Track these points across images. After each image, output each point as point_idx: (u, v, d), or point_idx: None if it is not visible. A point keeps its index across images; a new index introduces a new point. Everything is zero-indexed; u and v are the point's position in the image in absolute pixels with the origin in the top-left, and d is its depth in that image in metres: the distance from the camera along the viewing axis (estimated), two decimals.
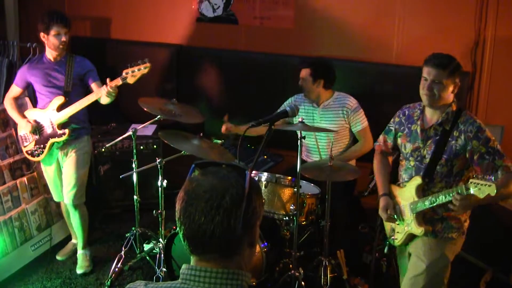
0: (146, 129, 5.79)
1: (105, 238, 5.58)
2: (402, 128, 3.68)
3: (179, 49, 6.38)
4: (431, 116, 3.51)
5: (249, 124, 3.15)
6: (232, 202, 1.65)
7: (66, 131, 4.68)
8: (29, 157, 4.84)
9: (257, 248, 4.22)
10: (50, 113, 4.69)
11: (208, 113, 5.87)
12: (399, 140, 3.71)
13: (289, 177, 4.40)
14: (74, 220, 5.04)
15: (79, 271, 4.96)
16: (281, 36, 5.99)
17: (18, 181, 5.00)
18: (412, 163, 3.59)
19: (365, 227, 5.25)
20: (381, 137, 3.91)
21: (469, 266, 4.92)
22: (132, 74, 4.42)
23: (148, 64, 4.41)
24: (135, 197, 4.93)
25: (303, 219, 4.46)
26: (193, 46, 6.36)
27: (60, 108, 4.66)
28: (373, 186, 4.16)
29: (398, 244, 3.75)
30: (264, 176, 4.42)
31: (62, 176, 4.90)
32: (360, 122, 4.92)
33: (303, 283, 4.32)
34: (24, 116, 4.80)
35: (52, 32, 4.53)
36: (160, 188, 4.63)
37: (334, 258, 4.66)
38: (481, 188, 3.06)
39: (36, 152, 4.77)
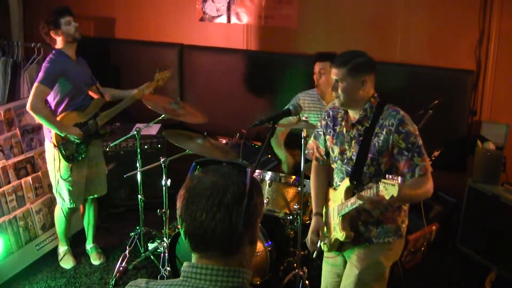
0: (150, 128, 5.80)
1: (110, 237, 5.59)
2: (329, 131, 3.47)
3: (183, 49, 6.39)
4: (354, 115, 3.32)
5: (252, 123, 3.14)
6: (233, 199, 1.65)
7: (108, 129, 4.93)
8: (70, 163, 4.68)
9: (261, 247, 4.22)
10: (94, 115, 4.75)
11: (212, 112, 5.87)
12: (328, 143, 3.50)
13: (293, 176, 4.40)
14: (90, 216, 5.15)
15: (96, 262, 5.11)
16: (285, 35, 5.98)
17: (22, 180, 5.01)
18: (340, 166, 3.39)
19: None
20: (310, 144, 3.69)
21: (474, 265, 4.92)
22: (161, 79, 4.96)
23: (170, 71, 5.09)
24: (139, 196, 4.94)
25: (307, 218, 4.46)
26: (196, 45, 6.36)
27: (101, 108, 4.79)
28: None
29: (328, 250, 3.53)
30: (268, 175, 4.42)
31: (94, 171, 4.96)
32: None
33: (307, 282, 4.32)
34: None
35: (63, 22, 4.49)
36: (164, 187, 4.63)
37: None
38: (387, 188, 2.78)
39: (79, 156, 4.72)
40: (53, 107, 4.63)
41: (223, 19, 6.23)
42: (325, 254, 3.63)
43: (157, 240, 5.14)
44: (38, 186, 5.16)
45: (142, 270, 4.98)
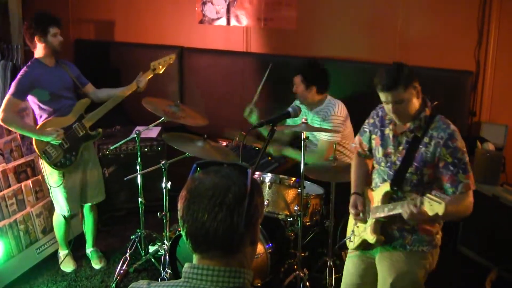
0: (150, 131, 5.81)
1: (110, 240, 5.59)
2: (375, 131, 3.46)
3: (183, 51, 6.39)
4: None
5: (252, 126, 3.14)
6: (234, 199, 1.66)
7: (100, 130, 4.82)
8: (59, 169, 4.65)
9: (262, 249, 4.22)
10: (79, 117, 4.69)
11: (212, 114, 5.87)
12: (373, 143, 3.49)
13: (293, 178, 4.41)
14: (91, 221, 5.15)
15: (97, 266, 5.10)
16: (284, 37, 6.00)
17: (23, 184, 5.01)
18: (383, 168, 3.38)
19: None
20: (356, 139, 3.69)
21: (475, 265, 4.92)
22: (160, 63, 4.92)
23: (173, 55, 5.04)
24: (139, 199, 4.94)
25: (308, 220, 4.46)
26: (196, 48, 6.38)
27: (86, 110, 4.75)
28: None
29: (352, 247, 3.53)
30: (268, 177, 4.42)
31: (90, 176, 4.93)
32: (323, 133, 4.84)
33: (308, 283, 4.32)
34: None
35: (51, 32, 4.48)
36: (164, 190, 4.63)
37: (339, 258, 4.67)
38: (432, 205, 2.77)
39: (68, 161, 4.67)
40: (37, 116, 4.63)
41: (222, 22, 6.24)
42: (350, 251, 3.61)
43: (158, 243, 5.14)
44: (39, 189, 5.16)
45: (143, 272, 4.98)
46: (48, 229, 5.20)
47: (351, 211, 3.42)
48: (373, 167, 3.55)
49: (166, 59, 4.96)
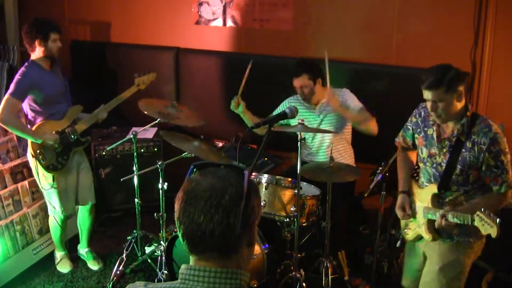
0: (147, 132, 5.80)
1: (107, 241, 5.59)
2: (418, 130, 3.58)
3: (179, 52, 6.39)
4: (447, 124, 3.40)
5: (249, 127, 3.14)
6: (231, 200, 1.66)
7: (89, 137, 4.91)
8: (51, 172, 4.67)
9: (258, 250, 4.23)
10: (72, 122, 4.73)
11: (208, 115, 5.88)
12: (417, 142, 3.62)
13: (290, 179, 4.41)
14: (88, 222, 5.15)
15: (95, 267, 5.11)
16: (281, 38, 6.00)
17: (19, 185, 5.00)
18: (428, 169, 3.52)
19: (366, 228, 5.27)
20: (400, 133, 3.80)
21: (471, 266, 4.93)
22: (143, 81, 5.03)
23: (155, 74, 5.16)
24: (136, 200, 4.94)
25: (304, 221, 4.46)
26: (192, 49, 6.37)
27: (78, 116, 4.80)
28: (373, 187, 4.16)
29: (409, 239, 3.71)
30: (265, 177, 4.42)
31: (81, 180, 4.95)
32: (355, 105, 4.84)
33: (304, 284, 4.32)
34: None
35: (52, 38, 4.54)
36: (161, 191, 4.64)
37: (335, 259, 4.67)
38: (484, 225, 3.01)
39: (60, 164, 4.70)
40: (30, 118, 4.64)
41: (218, 22, 6.24)
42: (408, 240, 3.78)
43: (154, 244, 5.14)
44: (35, 190, 5.15)
45: (139, 273, 4.98)
46: (44, 230, 5.20)
47: (398, 212, 3.63)
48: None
49: (149, 77, 5.08)
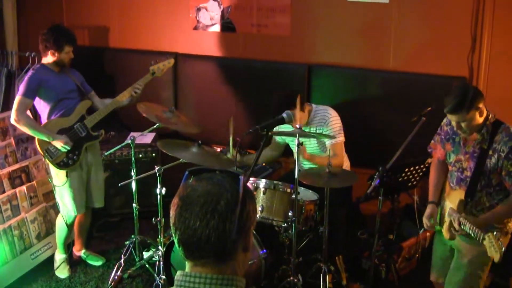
0: (145, 137, 5.81)
1: (105, 246, 5.58)
2: (447, 138, 3.80)
3: (177, 57, 6.40)
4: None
5: (246, 131, 3.15)
6: (227, 206, 1.65)
7: (102, 131, 4.90)
8: (63, 169, 4.72)
9: (256, 255, 4.23)
10: (80, 118, 4.77)
11: (207, 120, 5.88)
12: (445, 148, 3.83)
13: (287, 184, 4.41)
14: (87, 224, 5.23)
15: (99, 263, 5.23)
16: (278, 43, 6.01)
17: (17, 190, 5.01)
18: (455, 172, 3.74)
19: (364, 233, 5.27)
20: (432, 144, 3.98)
21: None
22: (159, 68, 5.01)
23: (172, 60, 5.12)
24: (134, 205, 4.94)
25: (302, 226, 4.46)
26: (191, 54, 6.38)
27: (88, 111, 4.83)
28: (371, 191, 4.16)
29: (438, 228, 3.92)
30: (263, 183, 4.43)
31: (94, 179, 5.02)
32: (332, 136, 4.78)
33: None
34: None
35: (66, 50, 4.65)
36: (159, 196, 4.64)
37: (333, 264, 4.68)
38: (491, 248, 3.25)
39: (71, 160, 4.73)
40: (40, 117, 4.75)
41: (216, 28, 6.25)
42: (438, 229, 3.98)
43: (152, 249, 5.14)
44: (33, 195, 5.16)
45: (137, 278, 4.98)
46: (42, 234, 5.20)
47: (426, 222, 3.83)
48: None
49: (165, 63, 5.05)
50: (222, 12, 6.15)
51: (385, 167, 4.05)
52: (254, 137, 5.22)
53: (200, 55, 6.36)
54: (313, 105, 4.96)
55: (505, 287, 4.67)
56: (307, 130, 4.87)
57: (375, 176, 4.07)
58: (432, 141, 3.96)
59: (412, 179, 4.55)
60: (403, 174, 4.46)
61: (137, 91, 4.87)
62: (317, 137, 4.81)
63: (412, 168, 4.44)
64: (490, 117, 3.52)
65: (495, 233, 3.28)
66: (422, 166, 4.48)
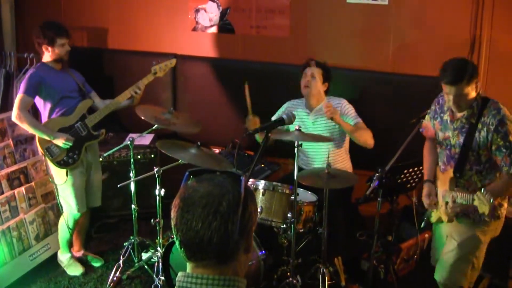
0: (144, 138, 5.81)
1: (103, 247, 5.58)
2: (435, 116, 3.86)
3: (176, 59, 6.39)
4: (460, 110, 3.63)
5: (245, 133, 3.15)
6: (229, 207, 1.66)
7: (103, 130, 4.92)
8: (63, 168, 4.72)
9: (255, 256, 4.23)
10: (81, 117, 4.78)
11: (205, 122, 5.88)
12: (434, 127, 3.89)
13: (286, 185, 4.42)
14: (85, 224, 5.26)
15: (98, 264, 5.25)
16: (277, 45, 6.01)
17: (16, 191, 5.00)
18: (443, 150, 3.82)
19: (363, 234, 5.27)
20: (423, 124, 3.95)
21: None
22: (161, 68, 5.00)
23: (174, 60, 5.14)
24: (133, 206, 4.94)
25: (301, 227, 4.47)
26: (190, 55, 6.38)
27: (89, 111, 4.84)
28: (370, 193, 4.16)
29: (433, 221, 4.01)
30: (262, 184, 4.44)
31: (93, 180, 5.04)
32: (352, 118, 4.95)
33: None
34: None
35: (58, 43, 4.63)
36: (158, 197, 4.64)
37: (332, 265, 4.68)
38: (480, 204, 3.32)
39: (71, 159, 4.74)
40: (41, 115, 4.75)
41: (215, 29, 6.25)
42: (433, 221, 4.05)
43: (151, 250, 5.14)
44: (32, 196, 5.15)
45: (136, 280, 4.98)
46: (41, 236, 5.19)
47: (425, 200, 3.87)
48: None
49: (167, 64, 5.06)
50: (221, 13, 6.15)
51: (384, 169, 4.05)
52: (253, 138, 5.23)
53: (199, 57, 6.36)
54: (326, 97, 5.12)
55: None
56: (310, 119, 5.06)
57: (374, 178, 4.07)
58: (423, 121, 3.97)
59: (411, 181, 4.55)
60: (402, 176, 4.46)
61: (137, 91, 4.87)
62: (318, 139, 4.82)
63: (411, 170, 4.44)
64: (480, 92, 3.57)
65: (482, 190, 3.32)
66: (421, 167, 4.47)
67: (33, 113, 4.92)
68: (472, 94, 3.50)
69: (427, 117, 3.97)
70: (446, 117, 3.74)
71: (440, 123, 3.81)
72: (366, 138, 4.86)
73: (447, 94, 3.54)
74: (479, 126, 3.51)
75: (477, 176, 3.65)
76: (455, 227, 3.77)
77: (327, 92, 5.09)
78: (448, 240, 3.87)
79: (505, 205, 3.74)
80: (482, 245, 3.78)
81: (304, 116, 5.07)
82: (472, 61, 3.58)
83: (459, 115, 3.62)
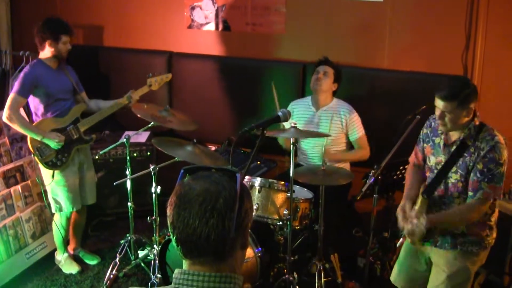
0: (140, 136, 5.81)
1: (100, 245, 5.58)
2: (427, 140, 3.66)
3: (172, 56, 6.40)
4: (453, 134, 3.45)
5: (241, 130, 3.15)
6: (225, 204, 1.66)
7: (94, 136, 4.93)
8: (50, 169, 4.72)
9: (251, 253, 4.23)
10: (74, 120, 4.77)
11: (201, 119, 5.88)
12: (425, 152, 3.68)
13: (282, 182, 4.42)
14: (82, 222, 5.24)
15: (94, 262, 5.24)
16: (273, 42, 6.01)
17: (12, 189, 5.00)
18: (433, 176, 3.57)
19: (359, 231, 5.27)
20: (414, 150, 3.84)
21: None
22: (156, 81, 5.02)
23: (170, 75, 5.21)
24: (129, 203, 4.94)
25: (297, 224, 4.47)
26: (185, 53, 6.38)
27: (82, 114, 4.84)
28: (366, 190, 4.16)
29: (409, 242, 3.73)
30: (258, 181, 4.43)
31: (85, 179, 5.02)
32: (357, 131, 4.97)
33: (297, 287, 4.33)
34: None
35: (62, 40, 4.62)
36: (154, 195, 4.64)
37: (328, 262, 4.68)
38: (415, 228, 3.33)
39: (60, 161, 4.73)
40: (33, 115, 4.73)
41: (211, 27, 6.25)
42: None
43: (148, 247, 5.14)
44: (28, 194, 5.15)
45: (132, 277, 4.98)
46: (37, 234, 5.19)
47: (398, 214, 3.61)
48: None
49: (163, 77, 5.09)
50: (217, 10, 6.15)
51: (379, 165, 4.05)
52: (248, 135, 5.22)
53: (194, 54, 6.36)
54: (334, 98, 5.17)
55: (499, 284, 4.68)
56: (320, 115, 5.08)
57: (370, 174, 4.08)
58: (415, 147, 3.84)
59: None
60: (398, 172, 4.48)
61: (131, 100, 4.88)
62: (314, 136, 4.83)
63: (406, 166, 4.45)
64: (478, 114, 3.40)
65: (424, 217, 3.28)
66: None
67: (26, 110, 4.93)
68: (462, 118, 3.31)
69: (418, 142, 3.79)
70: (439, 140, 3.55)
71: (432, 147, 3.60)
72: (361, 157, 5.03)
73: (436, 108, 3.38)
74: (472, 150, 3.32)
75: (444, 205, 3.49)
76: (444, 258, 3.56)
77: (335, 93, 5.10)
78: (436, 271, 3.63)
79: (494, 234, 3.57)
80: (471, 276, 3.59)
81: (310, 113, 5.07)
82: (474, 85, 3.38)
83: (453, 139, 3.44)
